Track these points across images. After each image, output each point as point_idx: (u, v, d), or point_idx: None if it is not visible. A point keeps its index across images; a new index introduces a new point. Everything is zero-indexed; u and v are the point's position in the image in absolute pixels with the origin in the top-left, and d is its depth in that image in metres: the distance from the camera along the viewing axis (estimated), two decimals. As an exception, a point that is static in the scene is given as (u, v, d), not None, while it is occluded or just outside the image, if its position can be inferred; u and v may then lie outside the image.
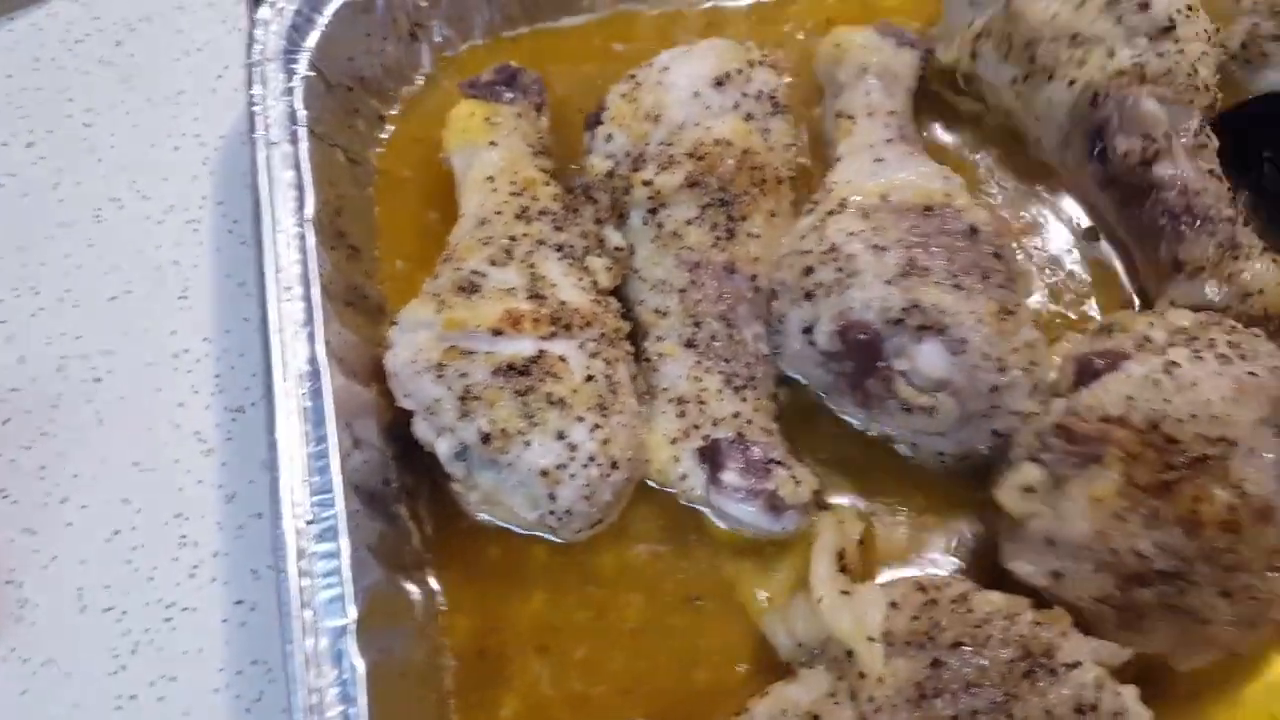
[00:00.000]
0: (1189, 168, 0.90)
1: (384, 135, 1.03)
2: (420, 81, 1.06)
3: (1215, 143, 0.92)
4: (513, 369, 0.79)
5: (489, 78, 0.99)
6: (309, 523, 0.76)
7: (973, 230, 0.83)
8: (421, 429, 0.82)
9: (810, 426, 0.89)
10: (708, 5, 1.11)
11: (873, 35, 1.00)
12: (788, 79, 0.98)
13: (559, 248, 0.87)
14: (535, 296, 0.83)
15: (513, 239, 0.87)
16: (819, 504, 0.86)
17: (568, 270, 0.86)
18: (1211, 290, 0.87)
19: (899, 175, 0.87)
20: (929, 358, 0.80)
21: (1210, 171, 0.91)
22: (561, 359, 0.80)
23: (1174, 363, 0.75)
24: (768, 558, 0.85)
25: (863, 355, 0.82)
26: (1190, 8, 0.93)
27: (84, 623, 0.85)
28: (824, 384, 0.87)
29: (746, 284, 0.87)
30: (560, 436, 0.78)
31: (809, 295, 0.83)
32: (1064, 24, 0.94)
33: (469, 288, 0.83)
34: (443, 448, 0.81)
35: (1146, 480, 0.72)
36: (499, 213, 0.89)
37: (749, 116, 0.90)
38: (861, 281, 0.80)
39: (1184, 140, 0.90)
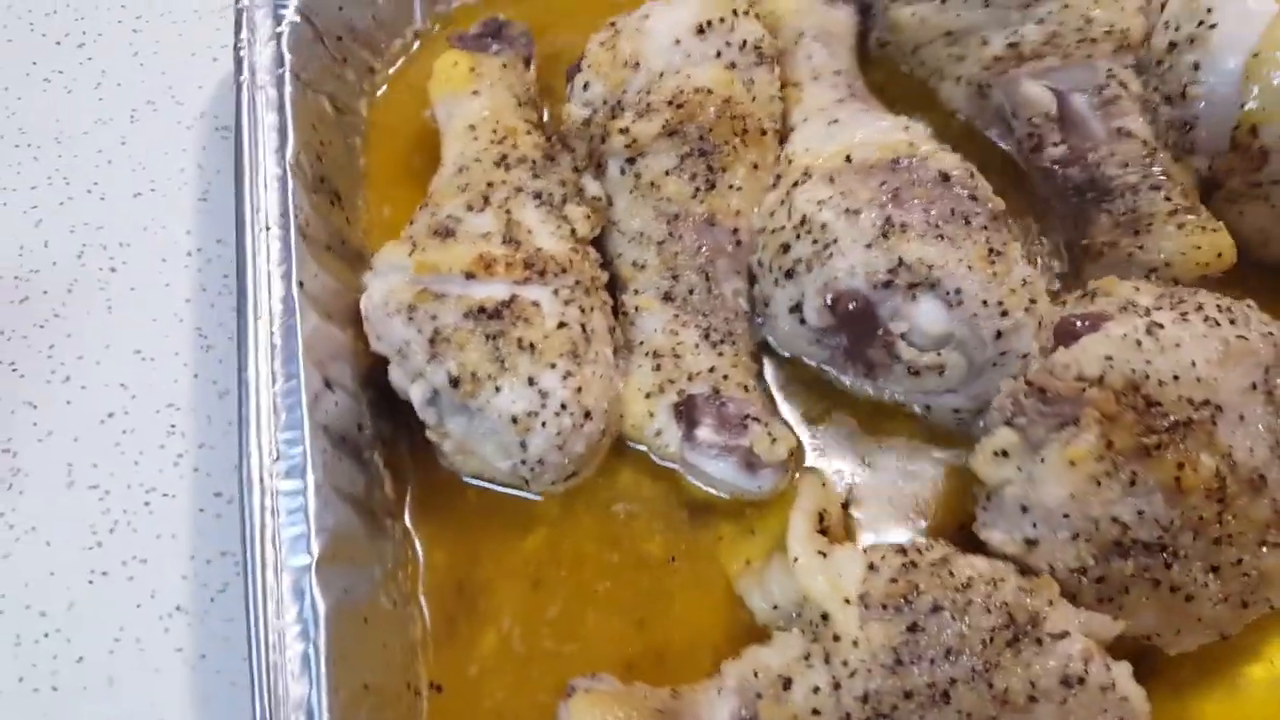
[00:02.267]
0: (1092, 133, 0.86)
1: (374, 87, 1.03)
2: (411, 35, 1.05)
3: (1134, 86, 0.88)
4: (484, 312, 0.78)
5: (476, 30, 0.98)
6: (275, 460, 0.75)
7: (944, 176, 0.80)
8: (396, 375, 0.81)
9: (805, 389, 0.88)
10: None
11: None
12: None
13: (537, 195, 0.86)
14: (510, 241, 0.82)
15: (490, 185, 0.86)
16: (803, 465, 0.84)
17: (545, 217, 0.85)
18: (1116, 274, 0.82)
19: (858, 133, 0.85)
20: (927, 315, 0.77)
21: (1119, 129, 0.86)
22: (534, 304, 0.79)
23: (1157, 323, 0.72)
24: (748, 519, 0.83)
25: (858, 325, 0.79)
26: None
27: (69, 497, 0.87)
28: (824, 360, 0.85)
29: (727, 237, 0.86)
30: (531, 382, 0.77)
31: (790, 274, 0.81)
32: (934, 25, 0.92)
33: (444, 232, 0.82)
34: (415, 394, 0.80)
35: (1126, 444, 0.68)
36: (478, 160, 0.88)
37: (732, 65, 0.88)
38: (840, 249, 0.78)
39: (1084, 99, 0.87)
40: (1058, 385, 0.70)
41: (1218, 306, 0.74)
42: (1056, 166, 0.88)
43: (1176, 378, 0.70)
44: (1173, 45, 0.85)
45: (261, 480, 0.74)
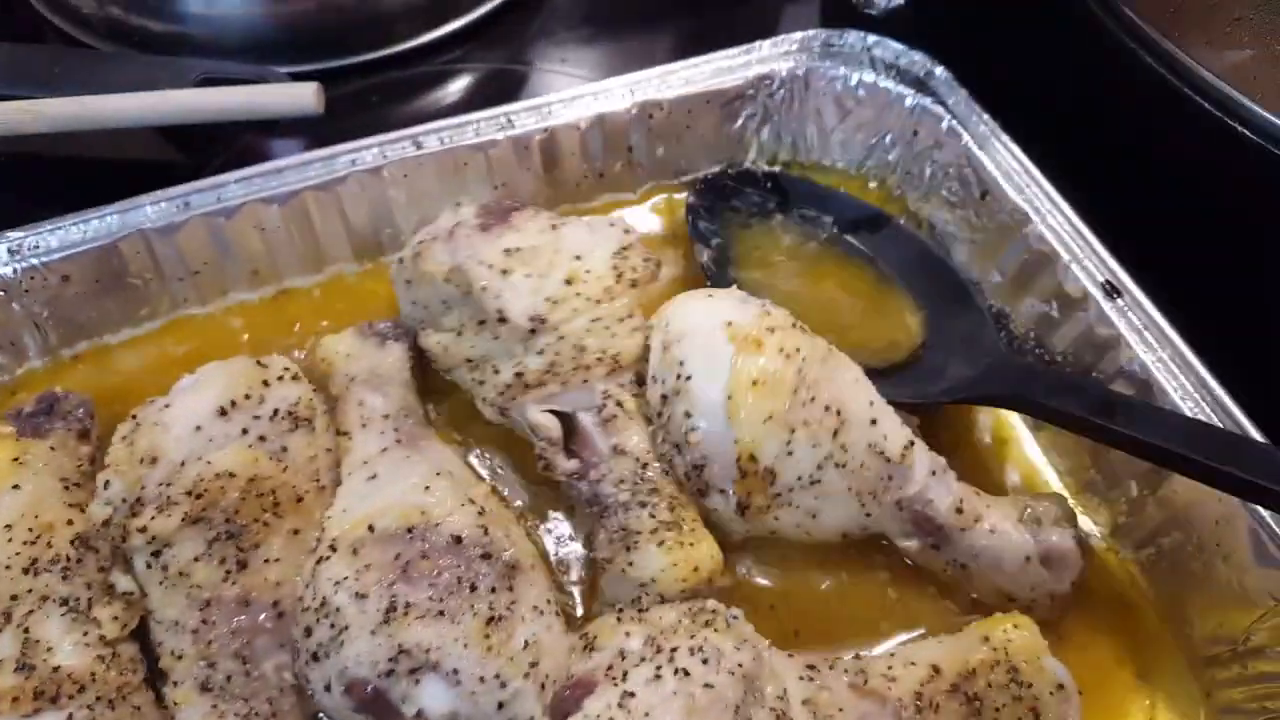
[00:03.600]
0: (597, 449, 0.93)
1: (-66, 472, 1.01)
2: (-28, 411, 1.04)
3: (629, 404, 0.95)
4: (-13, 759, 0.77)
5: (30, 408, 0.97)
6: None
7: (456, 539, 0.84)
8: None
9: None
10: (268, 292, 1.14)
11: (354, 339, 1.02)
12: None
13: (64, 601, 0.85)
14: (25, 667, 0.81)
15: (14, 598, 0.85)
16: None
17: (70, 627, 0.84)
18: (616, 587, 0.89)
19: (388, 495, 0.88)
20: (431, 697, 0.80)
21: (616, 446, 0.93)
22: (45, 735, 0.78)
23: (630, 693, 0.76)
24: None
25: (375, 709, 0.81)
26: (570, 280, 0.97)
27: None
28: None
29: (267, 612, 0.86)
30: (43, 827, 0.76)
31: (315, 656, 0.83)
32: (455, 354, 0.99)
33: (-41, 665, 0.81)
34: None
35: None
36: (8, 567, 0.86)
37: (261, 438, 0.90)
38: (350, 636, 0.80)
39: (590, 418, 0.94)
40: None
41: (690, 650, 0.79)
42: (568, 480, 0.94)
43: None
44: (664, 398, 0.92)
45: None
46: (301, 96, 1.15)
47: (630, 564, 0.88)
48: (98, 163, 1.27)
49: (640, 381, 0.96)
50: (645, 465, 0.92)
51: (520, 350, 0.96)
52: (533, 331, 0.95)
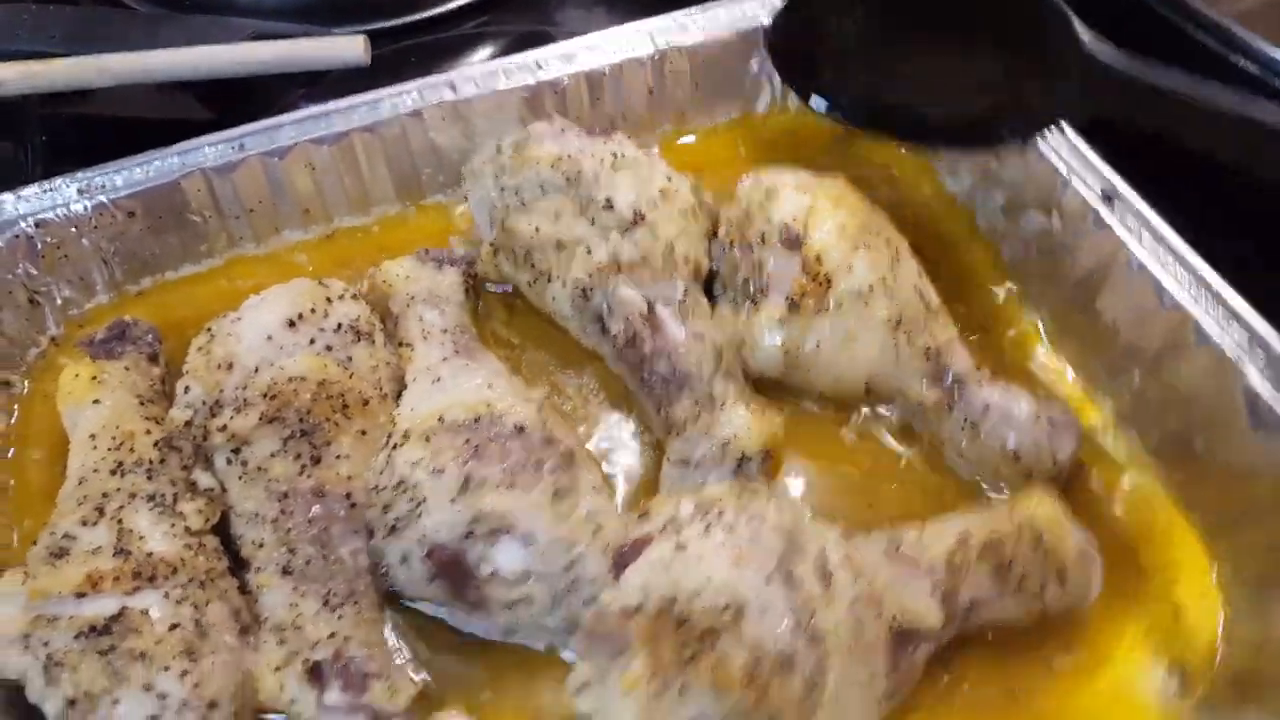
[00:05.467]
0: (673, 334, 1.01)
1: (13, 400, 1.07)
2: (47, 342, 1.11)
3: (705, 303, 1.06)
4: (95, 630, 0.82)
5: (102, 335, 1.04)
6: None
7: (519, 429, 0.92)
8: (30, 694, 0.85)
9: (432, 626, 0.94)
10: (319, 231, 1.21)
11: (413, 264, 1.10)
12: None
13: (150, 498, 0.91)
14: (121, 552, 0.87)
15: (105, 495, 0.91)
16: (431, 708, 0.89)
17: (158, 519, 0.90)
18: (695, 444, 0.96)
19: (453, 394, 0.96)
20: (506, 557, 0.87)
21: (695, 333, 1.02)
22: (144, 612, 0.84)
23: (683, 544, 0.82)
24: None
25: (453, 573, 0.88)
26: (662, 194, 1.07)
27: None
28: (441, 602, 0.93)
29: (340, 503, 0.93)
30: (148, 689, 0.81)
31: (393, 530, 0.90)
32: (547, 235, 1.07)
33: (58, 553, 0.87)
34: (48, 712, 0.83)
35: (669, 660, 0.77)
36: (96, 470, 0.93)
37: (328, 348, 0.98)
38: (429, 507, 0.88)
39: (669, 309, 1.03)
40: (604, 626, 0.80)
41: (736, 510, 0.85)
42: (646, 359, 1.02)
43: (700, 591, 0.79)
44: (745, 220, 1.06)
45: None
46: (350, 49, 1.23)
47: (713, 422, 0.96)
48: (151, 123, 1.34)
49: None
50: (720, 353, 1.01)
51: (616, 237, 1.04)
52: (634, 223, 1.04)
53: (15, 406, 1.07)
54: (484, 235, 1.14)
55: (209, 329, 0.99)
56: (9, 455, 1.04)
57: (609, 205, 1.05)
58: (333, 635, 0.89)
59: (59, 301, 1.12)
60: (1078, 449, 1.00)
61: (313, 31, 1.28)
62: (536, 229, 1.07)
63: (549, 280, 1.08)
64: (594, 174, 1.07)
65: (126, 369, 1.02)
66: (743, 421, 0.96)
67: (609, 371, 1.09)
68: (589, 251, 1.05)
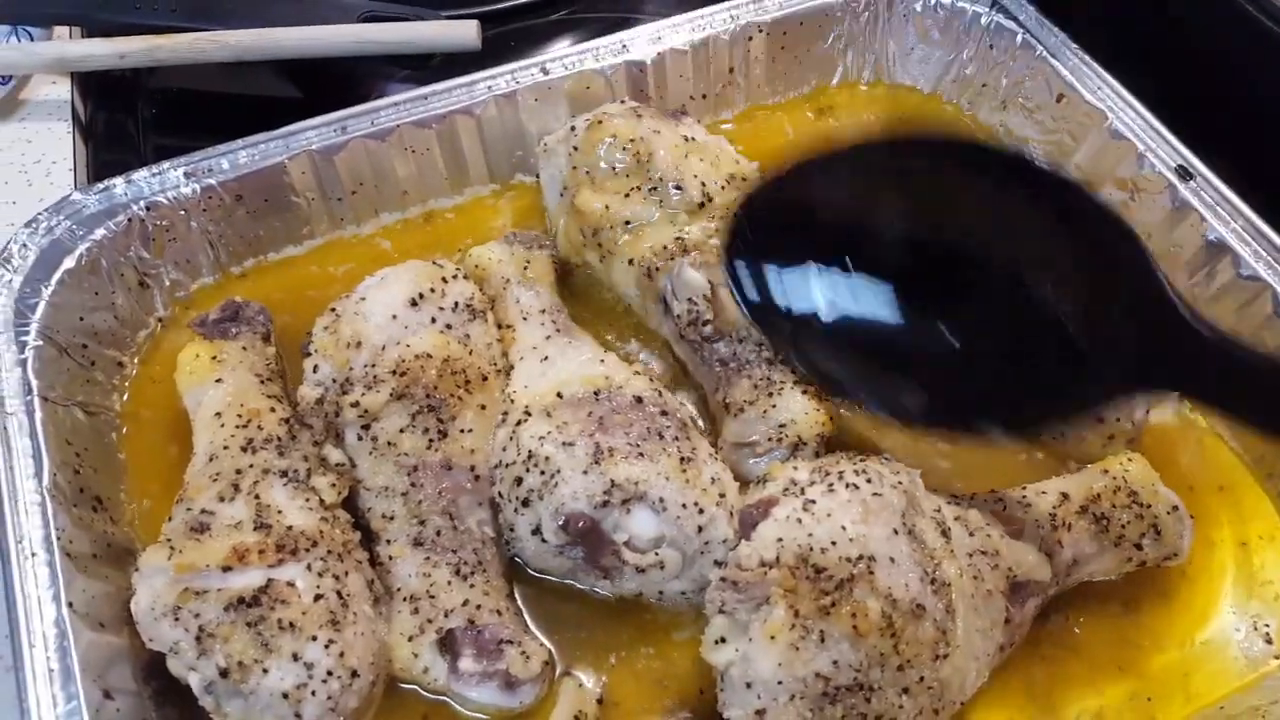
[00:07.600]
0: (734, 318, 1.03)
1: (125, 379, 1.09)
2: (155, 323, 1.13)
3: None
4: (243, 602, 0.85)
5: (215, 315, 1.06)
6: (61, 785, 0.80)
7: (637, 399, 0.95)
8: (174, 666, 0.87)
9: (555, 595, 0.97)
10: (415, 213, 1.23)
11: (503, 248, 1.12)
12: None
13: (283, 473, 0.94)
14: (262, 526, 0.89)
15: (239, 472, 0.93)
16: (558, 672, 0.93)
17: (293, 494, 0.93)
18: (752, 426, 0.98)
19: (565, 370, 0.99)
20: (641, 524, 0.90)
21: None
22: (289, 584, 0.86)
23: (811, 500, 0.86)
24: (520, 733, 0.91)
25: (589, 540, 0.91)
26: (730, 178, 1.09)
27: None
28: (568, 570, 0.96)
29: (466, 475, 0.96)
30: (296, 658, 0.84)
31: (526, 502, 0.92)
32: (615, 214, 1.09)
33: (200, 528, 0.89)
34: (193, 683, 0.86)
35: (809, 609, 0.81)
36: (226, 447, 0.95)
37: (448, 327, 1.00)
38: (564, 478, 0.90)
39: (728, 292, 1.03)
40: (744, 575, 0.83)
41: (855, 471, 0.88)
42: (707, 340, 1.04)
43: (835, 543, 0.83)
44: None
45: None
46: (463, 32, 1.25)
47: (774, 406, 0.98)
48: (248, 99, 1.37)
49: None
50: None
51: (684, 219, 1.07)
52: (701, 205, 1.07)
53: (127, 386, 1.09)
54: (551, 211, 1.17)
55: (333, 309, 1.01)
56: (123, 433, 1.06)
57: (678, 187, 1.08)
58: (465, 603, 0.92)
59: (167, 284, 1.14)
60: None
61: (423, 15, 1.30)
62: (606, 207, 1.09)
63: (614, 259, 1.10)
64: (664, 156, 1.09)
65: (244, 349, 1.04)
66: (800, 406, 0.99)
67: (660, 355, 1.13)
68: (656, 232, 1.08)
